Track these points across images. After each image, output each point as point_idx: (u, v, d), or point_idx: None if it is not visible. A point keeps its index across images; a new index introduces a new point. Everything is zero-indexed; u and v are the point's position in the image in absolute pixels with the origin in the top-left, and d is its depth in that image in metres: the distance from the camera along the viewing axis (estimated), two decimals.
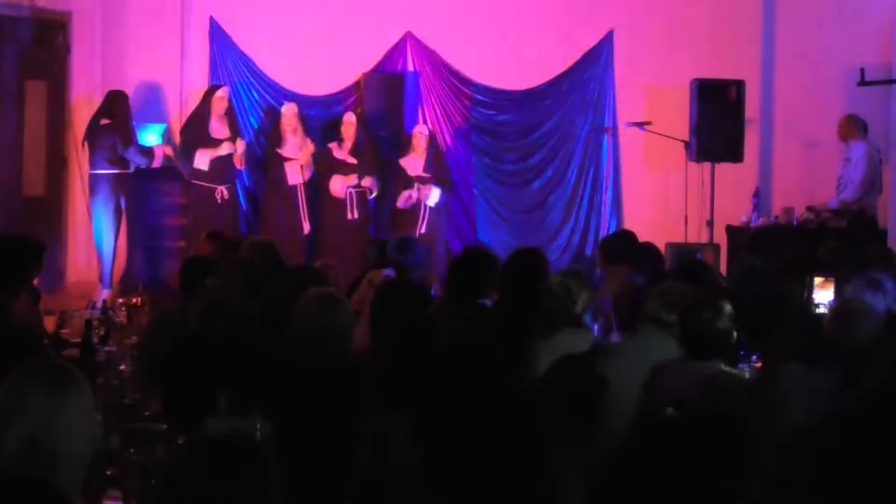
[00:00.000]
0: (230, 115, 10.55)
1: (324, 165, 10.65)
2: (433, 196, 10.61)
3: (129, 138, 10.10)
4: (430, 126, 11.10)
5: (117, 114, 10.07)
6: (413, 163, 10.67)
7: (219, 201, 10.31)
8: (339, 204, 10.56)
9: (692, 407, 2.81)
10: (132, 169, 10.22)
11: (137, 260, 10.27)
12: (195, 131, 10.39)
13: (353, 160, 10.57)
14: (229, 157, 10.37)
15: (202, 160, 10.26)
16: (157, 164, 10.29)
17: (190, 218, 10.48)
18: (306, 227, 10.60)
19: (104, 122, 10.03)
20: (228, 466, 2.35)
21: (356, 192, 10.59)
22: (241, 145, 10.40)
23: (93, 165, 10.09)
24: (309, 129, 10.97)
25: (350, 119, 10.66)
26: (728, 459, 2.63)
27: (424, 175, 10.60)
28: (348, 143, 10.60)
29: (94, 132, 10.07)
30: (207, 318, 4.91)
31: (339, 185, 10.54)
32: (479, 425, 3.05)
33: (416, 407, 3.25)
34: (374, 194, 10.80)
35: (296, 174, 10.52)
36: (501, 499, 2.95)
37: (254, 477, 2.35)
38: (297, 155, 10.54)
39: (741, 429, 2.85)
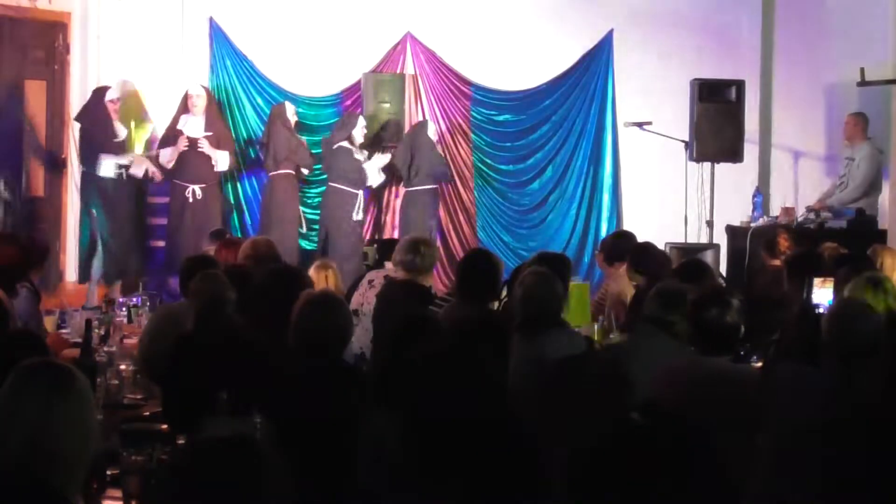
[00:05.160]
0: (210, 113, 10.51)
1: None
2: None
3: (101, 145, 10.04)
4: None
5: (94, 115, 10.11)
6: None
7: (190, 200, 10.29)
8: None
9: (661, 411, 2.81)
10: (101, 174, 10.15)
11: (128, 259, 10.28)
12: (170, 134, 10.41)
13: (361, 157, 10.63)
14: (206, 157, 10.35)
15: (165, 158, 10.30)
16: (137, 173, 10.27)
17: (168, 217, 10.50)
18: (303, 224, 10.64)
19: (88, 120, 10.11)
20: (228, 466, 2.35)
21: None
22: (203, 143, 10.33)
23: (83, 164, 10.16)
24: (308, 130, 10.97)
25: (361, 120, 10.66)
26: (695, 463, 2.63)
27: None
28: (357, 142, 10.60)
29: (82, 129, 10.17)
30: (204, 317, 4.91)
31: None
32: (472, 426, 3.06)
33: (412, 406, 3.25)
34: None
35: (274, 165, 10.50)
36: (494, 498, 2.95)
37: (254, 477, 2.36)
38: (283, 150, 10.53)
39: (709, 432, 2.85)
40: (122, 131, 10.24)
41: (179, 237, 10.23)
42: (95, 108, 10.15)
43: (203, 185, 10.35)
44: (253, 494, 2.34)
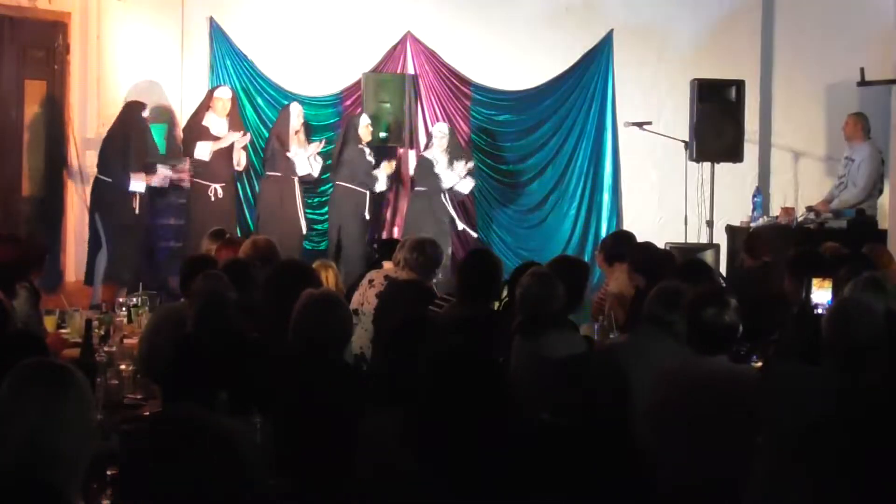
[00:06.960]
0: (233, 116, 10.54)
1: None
2: (466, 186, 10.81)
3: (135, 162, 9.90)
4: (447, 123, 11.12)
5: (127, 130, 10.02)
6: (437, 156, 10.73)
7: (212, 200, 10.29)
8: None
9: (571, 411, 2.81)
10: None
11: (139, 261, 10.24)
12: (196, 130, 10.40)
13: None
14: (227, 156, 10.36)
15: (203, 151, 10.26)
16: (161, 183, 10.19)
17: (186, 218, 10.48)
18: (304, 227, 10.62)
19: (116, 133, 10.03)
20: (191, 446, 2.34)
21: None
22: (242, 140, 10.38)
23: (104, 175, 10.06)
24: (308, 130, 10.98)
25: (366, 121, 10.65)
26: (604, 462, 2.63)
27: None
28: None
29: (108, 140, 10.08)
30: (204, 317, 4.91)
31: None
32: (472, 425, 3.06)
33: (412, 405, 3.26)
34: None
35: (305, 165, 10.53)
36: (496, 496, 2.96)
37: (219, 457, 2.35)
38: (304, 150, 10.55)
39: (619, 432, 2.85)
40: (154, 146, 10.20)
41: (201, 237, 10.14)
42: (131, 122, 10.04)
43: (223, 184, 10.38)
44: (219, 474, 2.33)
